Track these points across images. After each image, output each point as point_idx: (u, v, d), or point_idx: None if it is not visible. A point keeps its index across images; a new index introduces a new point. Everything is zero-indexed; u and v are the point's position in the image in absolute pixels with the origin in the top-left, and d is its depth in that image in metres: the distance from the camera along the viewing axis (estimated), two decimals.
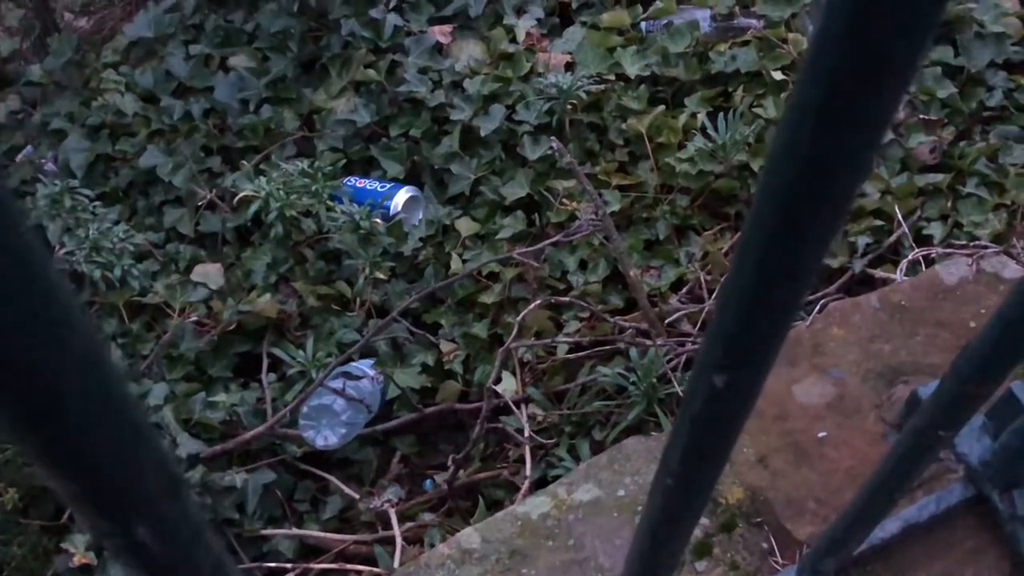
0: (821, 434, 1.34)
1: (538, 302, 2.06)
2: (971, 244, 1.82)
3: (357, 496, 2.00)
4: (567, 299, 2.11)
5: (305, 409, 2.00)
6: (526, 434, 1.96)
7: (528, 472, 1.88)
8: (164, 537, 0.32)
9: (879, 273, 2.03)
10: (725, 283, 0.40)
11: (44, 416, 0.26)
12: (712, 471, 0.54)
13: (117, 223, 2.32)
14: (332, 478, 2.05)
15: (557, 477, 1.51)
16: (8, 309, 0.23)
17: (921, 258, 1.85)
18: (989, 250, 1.57)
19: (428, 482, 2.09)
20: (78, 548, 1.81)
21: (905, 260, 1.85)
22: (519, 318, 2.03)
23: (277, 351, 2.16)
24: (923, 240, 2.12)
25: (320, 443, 2.00)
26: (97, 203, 2.35)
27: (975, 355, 0.73)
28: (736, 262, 0.39)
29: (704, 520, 1.32)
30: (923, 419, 0.80)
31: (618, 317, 2.09)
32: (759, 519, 1.31)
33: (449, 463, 1.97)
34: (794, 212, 0.34)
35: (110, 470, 0.29)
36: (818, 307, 1.56)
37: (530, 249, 2.16)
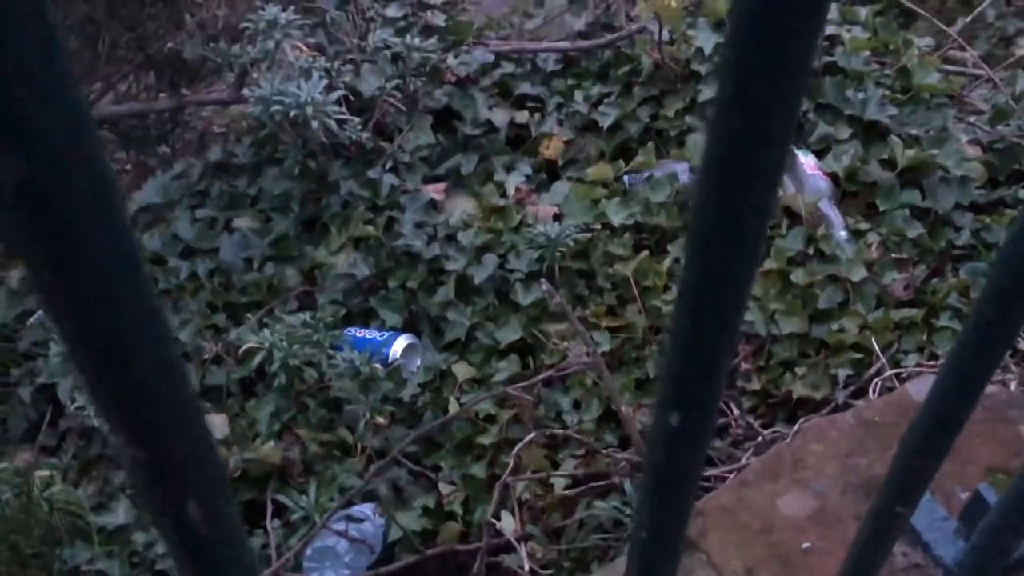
0: (805, 545, 1.40)
1: (533, 435, 2.12)
2: (938, 364, 1.90)
3: None
4: (562, 432, 2.18)
5: (309, 552, 2.04)
6: (526, 569, 2.00)
7: None
8: (211, 518, 0.39)
9: (859, 403, 2.10)
10: (670, 327, 0.49)
11: (126, 388, 0.34)
12: (679, 518, 0.61)
13: None
14: None
15: None
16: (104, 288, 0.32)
17: (894, 375, 1.93)
18: None
19: None
20: None
21: (879, 379, 1.94)
22: (514, 452, 2.09)
23: (281, 497, 2.20)
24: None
25: None
26: None
27: (918, 430, 0.81)
28: (675, 308, 0.47)
29: None
30: (880, 499, 0.87)
31: (611, 450, 2.15)
32: None
33: None
34: (714, 252, 0.43)
35: (171, 443, 0.36)
36: (796, 426, 1.64)
37: (523, 384, 2.24)
